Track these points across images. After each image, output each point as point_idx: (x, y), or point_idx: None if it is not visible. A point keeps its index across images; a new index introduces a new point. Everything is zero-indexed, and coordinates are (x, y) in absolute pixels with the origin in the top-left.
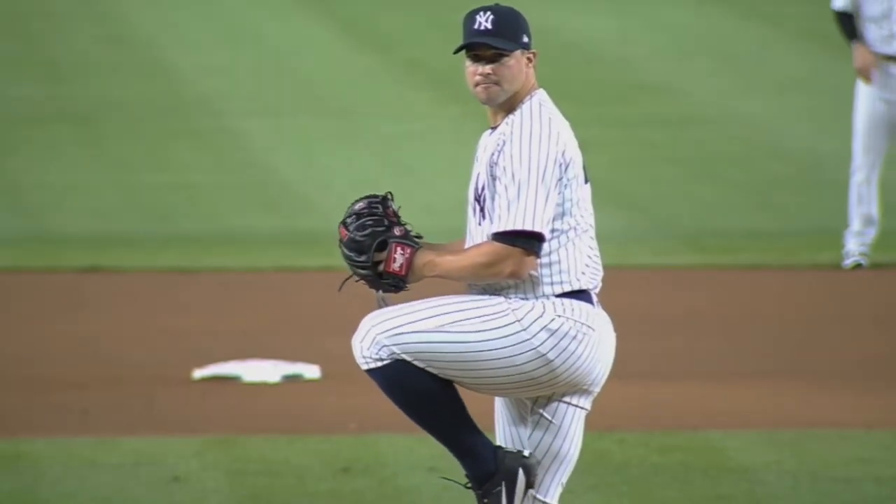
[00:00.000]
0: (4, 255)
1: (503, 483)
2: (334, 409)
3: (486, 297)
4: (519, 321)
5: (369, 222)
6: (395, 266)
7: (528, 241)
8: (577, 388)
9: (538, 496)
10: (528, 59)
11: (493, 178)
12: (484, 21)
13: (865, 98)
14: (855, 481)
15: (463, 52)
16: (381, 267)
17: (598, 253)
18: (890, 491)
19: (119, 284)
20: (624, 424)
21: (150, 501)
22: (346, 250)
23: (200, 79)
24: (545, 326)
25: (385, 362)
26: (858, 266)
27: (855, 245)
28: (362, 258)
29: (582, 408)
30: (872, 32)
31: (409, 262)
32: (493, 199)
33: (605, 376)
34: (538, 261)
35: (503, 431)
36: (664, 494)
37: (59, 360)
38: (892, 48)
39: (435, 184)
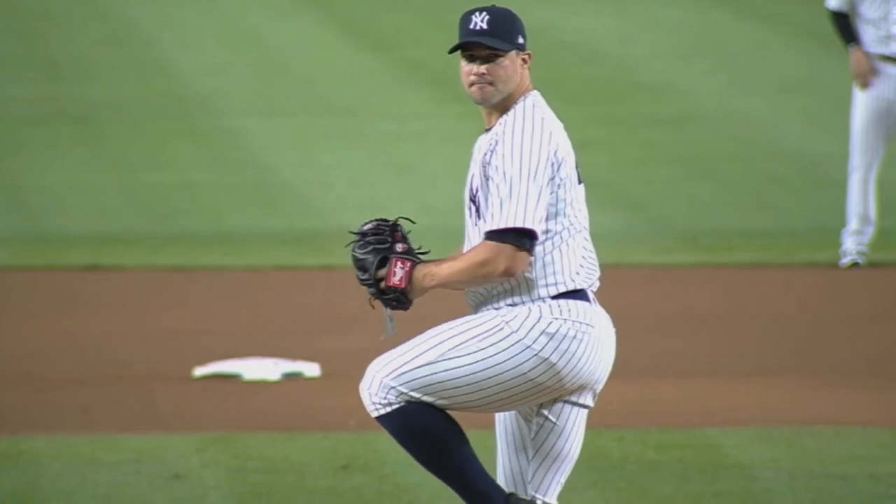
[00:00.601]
0: (4, 254)
1: None
2: (334, 407)
3: (479, 315)
4: (515, 332)
5: (372, 240)
6: (396, 280)
7: (519, 238)
8: (584, 388)
9: (537, 495)
10: (524, 60)
11: (487, 178)
12: (480, 21)
13: (863, 98)
14: (851, 478)
15: (459, 52)
16: (382, 284)
17: (593, 252)
18: (886, 488)
19: (119, 283)
20: (622, 422)
21: (150, 498)
22: (355, 269)
23: (200, 78)
24: (544, 331)
25: (395, 406)
26: (855, 265)
27: (853, 244)
28: (365, 276)
29: (586, 406)
30: (869, 33)
31: (409, 275)
32: (486, 199)
33: (609, 372)
34: (531, 259)
35: (505, 437)
36: (662, 491)
37: (59, 358)
38: (889, 49)
39: (434, 183)
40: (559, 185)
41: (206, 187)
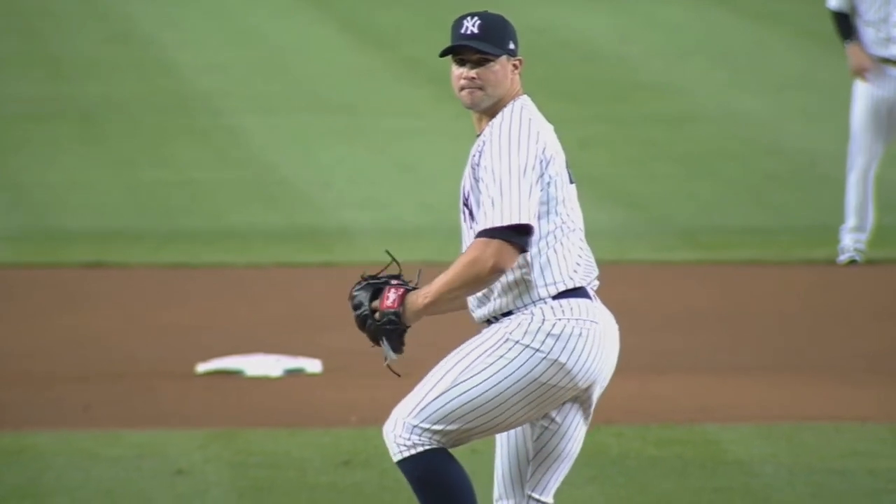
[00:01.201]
0: (8, 251)
1: None
2: (335, 403)
3: (482, 334)
4: (520, 340)
5: (369, 280)
6: (388, 302)
7: (509, 234)
8: (595, 384)
9: (534, 494)
10: (514, 65)
11: (477, 180)
12: (471, 26)
13: (863, 98)
14: (850, 473)
15: (451, 56)
16: (378, 314)
17: (589, 252)
18: (884, 483)
19: (121, 280)
20: (622, 418)
21: (153, 493)
22: (352, 311)
23: (201, 77)
24: (548, 333)
25: (418, 449)
26: (853, 262)
27: (851, 241)
28: (360, 309)
29: (589, 405)
30: (870, 35)
31: (402, 298)
32: (478, 202)
33: (613, 369)
34: (522, 254)
35: (505, 436)
36: (661, 487)
37: (62, 354)
38: (889, 51)
39: (434, 181)
40: (549, 183)
41: (207, 185)
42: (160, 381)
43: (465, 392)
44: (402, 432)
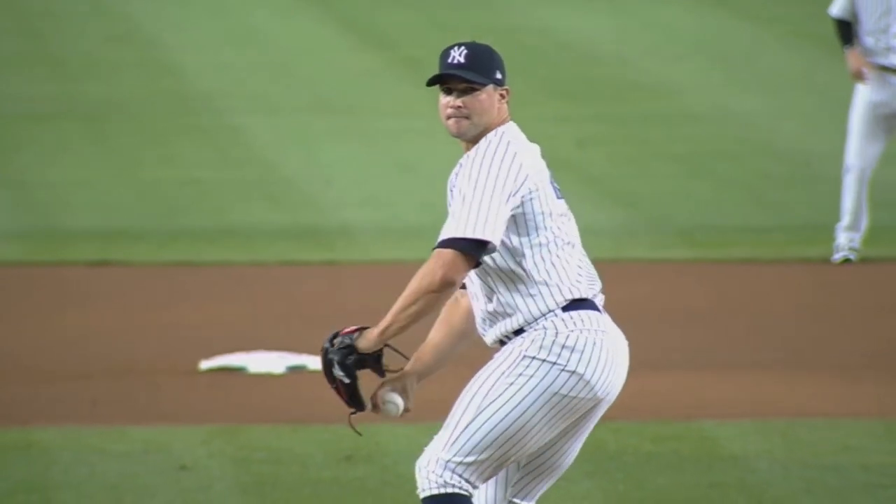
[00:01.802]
0: (15, 250)
1: None
2: (337, 400)
3: (496, 358)
4: (536, 356)
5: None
6: (345, 331)
7: (460, 244)
8: (610, 395)
9: (515, 500)
10: (502, 95)
11: (451, 203)
12: (457, 55)
13: (862, 103)
14: (844, 468)
15: (438, 85)
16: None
17: (590, 265)
18: (877, 478)
19: (125, 278)
20: (619, 414)
21: (157, 488)
22: (325, 376)
23: (204, 77)
24: (563, 345)
25: (447, 490)
26: (847, 261)
27: (845, 240)
28: (327, 358)
29: (593, 421)
30: (870, 44)
31: (359, 330)
32: None
33: (623, 383)
34: (473, 268)
35: None
36: (658, 482)
37: (67, 351)
38: (888, 60)
39: (434, 180)
40: (531, 199)
41: (210, 184)
42: (164, 378)
43: (491, 416)
44: (435, 468)
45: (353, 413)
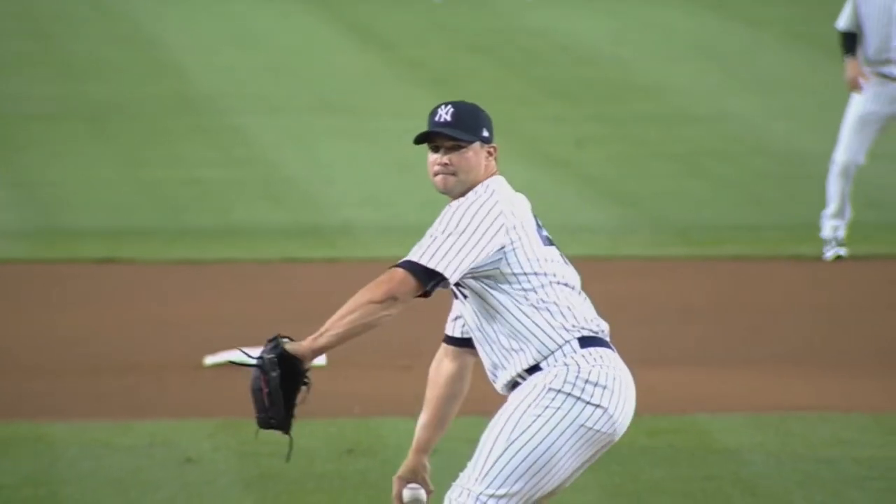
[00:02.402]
0: (23, 248)
1: None
2: (339, 394)
3: (520, 390)
4: (561, 389)
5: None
6: (267, 339)
7: (416, 268)
8: (623, 431)
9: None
10: (489, 152)
11: None
12: (444, 114)
13: (857, 109)
14: (836, 461)
15: (427, 144)
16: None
17: (592, 308)
18: (868, 470)
19: (131, 276)
20: None
21: (162, 482)
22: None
23: (207, 77)
24: (587, 380)
25: None
26: (839, 258)
27: (830, 230)
28: (255, 375)
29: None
30: (871, 54)
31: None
32: None
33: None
34: (421, 296)
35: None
36: (653, 475)
37: (74, 347)
38: (888, 71)
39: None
40: (513, 248)
41: (214, 183)
42: (169, 373)
43: (521, 448)
44: (467, 501)
45: (265, 428)
